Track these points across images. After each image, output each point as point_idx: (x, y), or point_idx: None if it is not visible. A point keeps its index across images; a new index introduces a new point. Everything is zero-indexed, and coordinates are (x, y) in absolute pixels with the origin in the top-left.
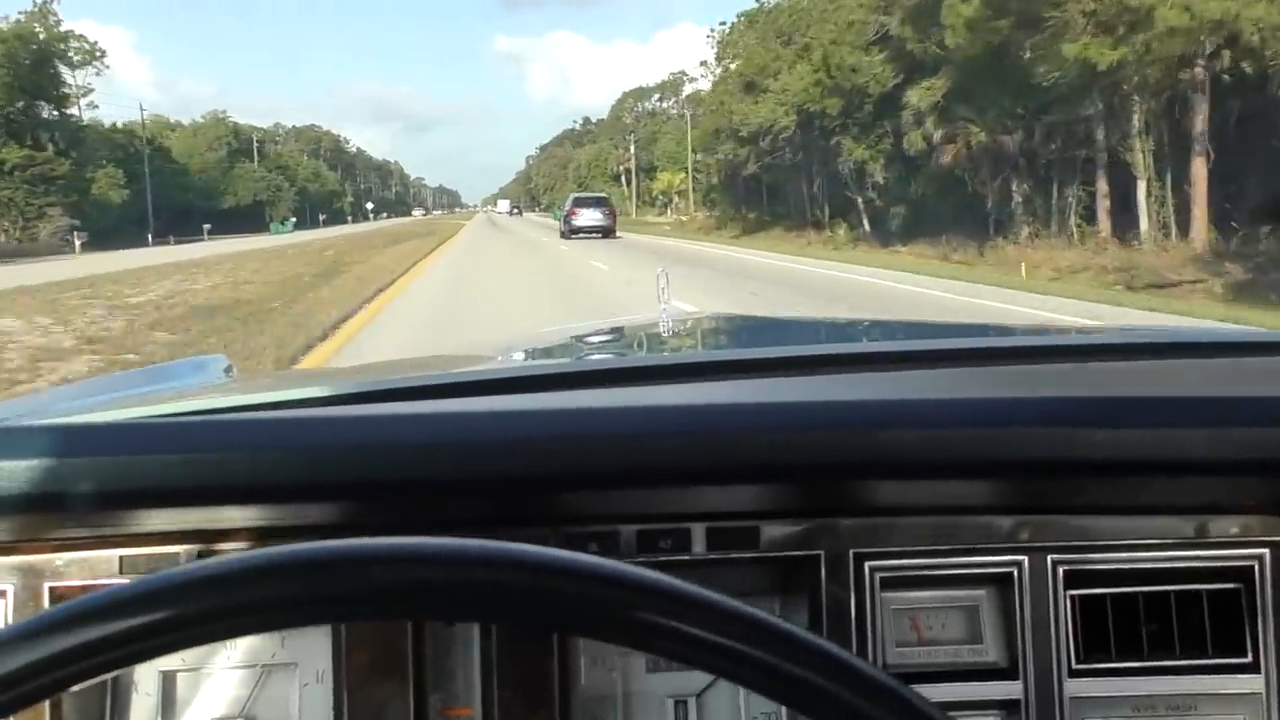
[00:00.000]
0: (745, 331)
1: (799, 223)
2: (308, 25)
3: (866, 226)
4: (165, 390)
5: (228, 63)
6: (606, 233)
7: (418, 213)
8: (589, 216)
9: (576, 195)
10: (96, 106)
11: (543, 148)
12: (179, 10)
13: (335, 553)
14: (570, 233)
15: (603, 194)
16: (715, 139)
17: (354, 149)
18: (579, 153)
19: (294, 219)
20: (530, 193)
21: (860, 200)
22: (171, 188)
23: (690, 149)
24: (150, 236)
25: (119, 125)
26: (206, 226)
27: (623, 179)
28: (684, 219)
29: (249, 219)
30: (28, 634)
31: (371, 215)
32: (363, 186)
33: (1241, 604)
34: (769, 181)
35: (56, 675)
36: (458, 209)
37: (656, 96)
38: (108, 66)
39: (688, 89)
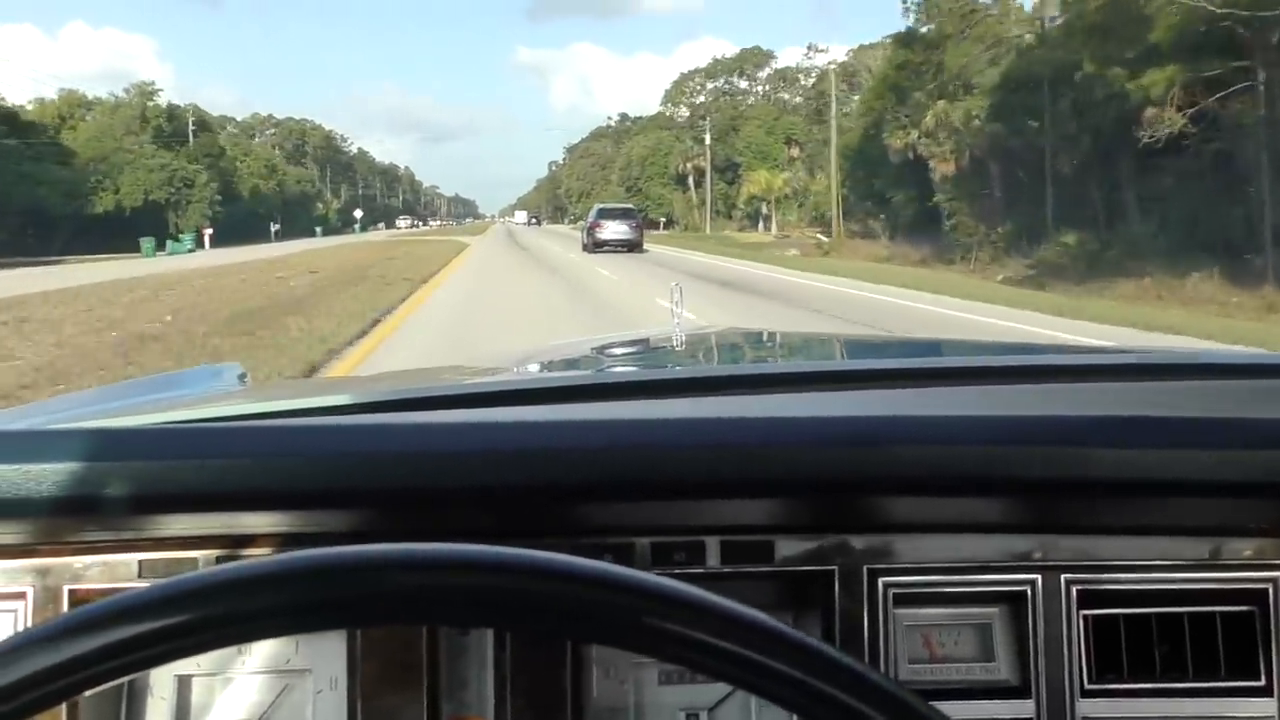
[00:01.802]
0: (762, 347)
1: None
2: (331, 35)
3: None
4: (181, 397)
5: (250, 71)
6: (632, 246)
7: (402, 223)
8: (614, 229)
9: (601, 206)
10: None
11: (571, 148)
12: (203, 19)
13: (347, 559)
14: (594, 246)
15: (629, 205)
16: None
17: (353, 148)
18: (628, 147)
19: (209, 230)
20: (557, 201)
21: None
22: (9, 179)
23: (834, 141)
24: None
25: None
26: None
27: (690, 180)
28: (822, 239)
29: (141, 226)
30: (42, 639)
31: (358, 226)
32: (361, 192)
33: (1255, 627)
34: (1055, 171)
35: (73, 679)
36: (468, 219)
37: (737, 74)
38: None
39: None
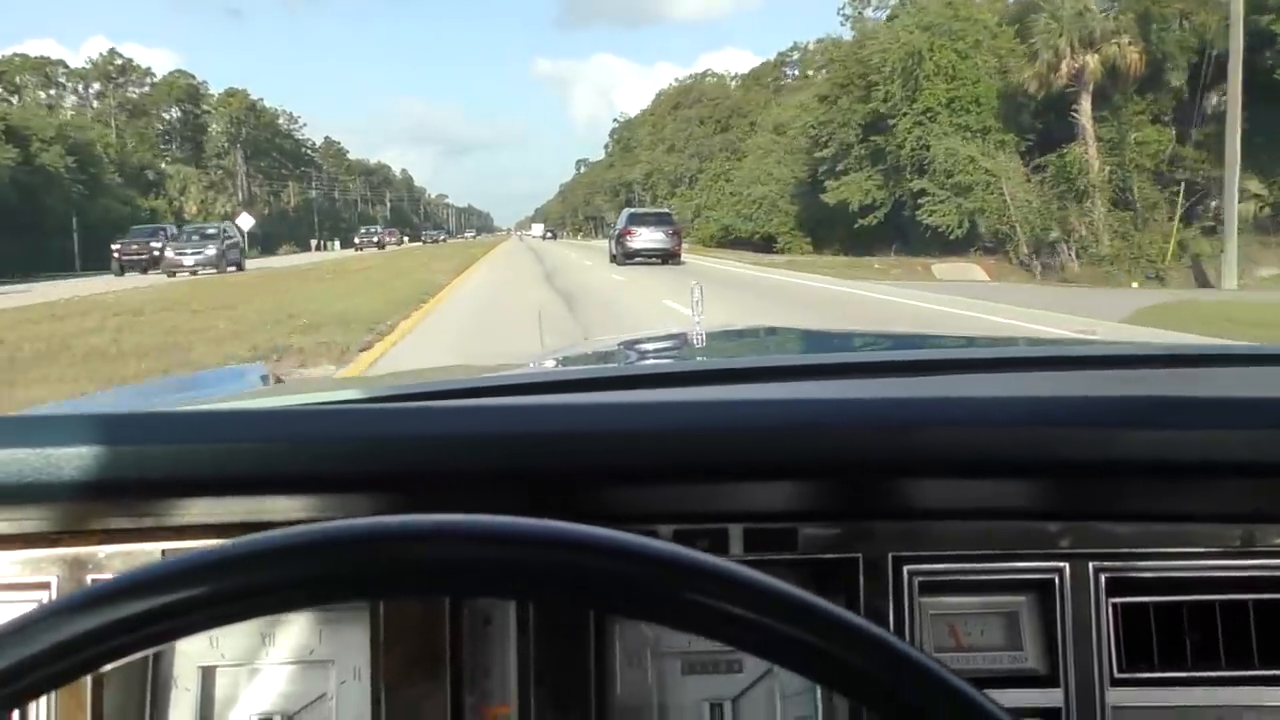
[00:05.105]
0: (785, 341)
1: None
2: (353, 50)
3: None
4: (205, 395)
5: (272, 86)
6: (666, 256)
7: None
8: (648, 237)
9: (631, 211)
10: None
11: (619, 131)
12: (226, 34)
13: (369, 530)
14: (625, 257)
15: (665, 210)
16: None
17: (314, 136)
18: (869, 30)
19: None
20: (591, 208)
21: None
22: None
23: None
24: None
25: None
26: None
27: (1082, 117)
28: None
29: None
30: (70, 608)
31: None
32: (314, 192)
33: None
34: None
35: (109, 644)
36: (470, 233)
37: None
38: None
39: None
